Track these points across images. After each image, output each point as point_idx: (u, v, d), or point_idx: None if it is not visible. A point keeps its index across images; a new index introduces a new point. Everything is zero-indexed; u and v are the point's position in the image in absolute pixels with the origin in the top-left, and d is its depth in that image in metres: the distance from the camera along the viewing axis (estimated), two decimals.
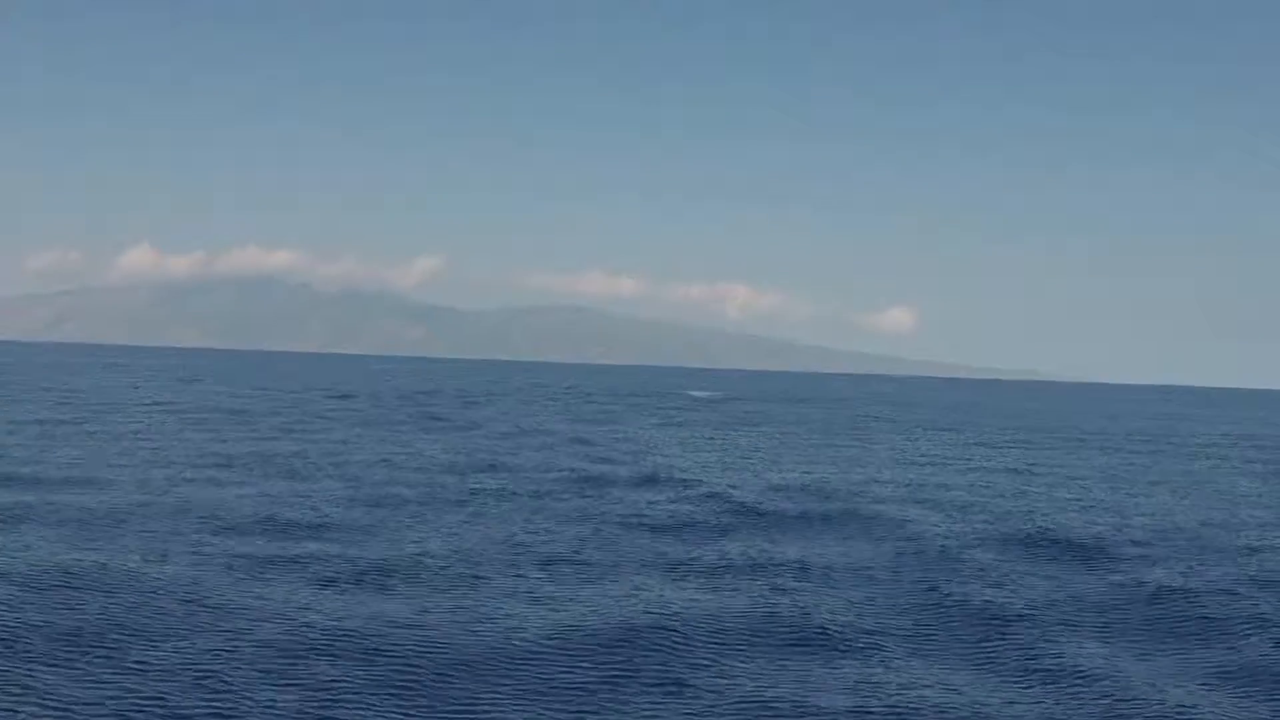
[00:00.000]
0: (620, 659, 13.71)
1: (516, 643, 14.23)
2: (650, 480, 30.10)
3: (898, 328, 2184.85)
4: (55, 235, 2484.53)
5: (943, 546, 21.65)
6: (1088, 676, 13.80)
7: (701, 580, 18.58)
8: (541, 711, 11.91)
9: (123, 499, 23.27)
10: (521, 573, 18.25)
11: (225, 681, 12.12)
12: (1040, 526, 24.90)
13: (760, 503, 27.07)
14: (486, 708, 11.95)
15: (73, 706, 11.23)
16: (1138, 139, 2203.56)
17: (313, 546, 19.12)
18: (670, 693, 12.67)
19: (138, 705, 11.34)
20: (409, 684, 12.54)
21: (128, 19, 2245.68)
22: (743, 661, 14.00)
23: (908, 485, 32.33)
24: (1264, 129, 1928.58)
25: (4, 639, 13.20)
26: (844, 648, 14.75)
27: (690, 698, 12.52)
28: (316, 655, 13.29)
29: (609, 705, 12.19)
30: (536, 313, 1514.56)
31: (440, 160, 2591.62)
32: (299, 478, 27.76)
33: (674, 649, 14.22)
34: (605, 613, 15.75)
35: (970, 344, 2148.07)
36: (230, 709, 11.39)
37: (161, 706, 11.31)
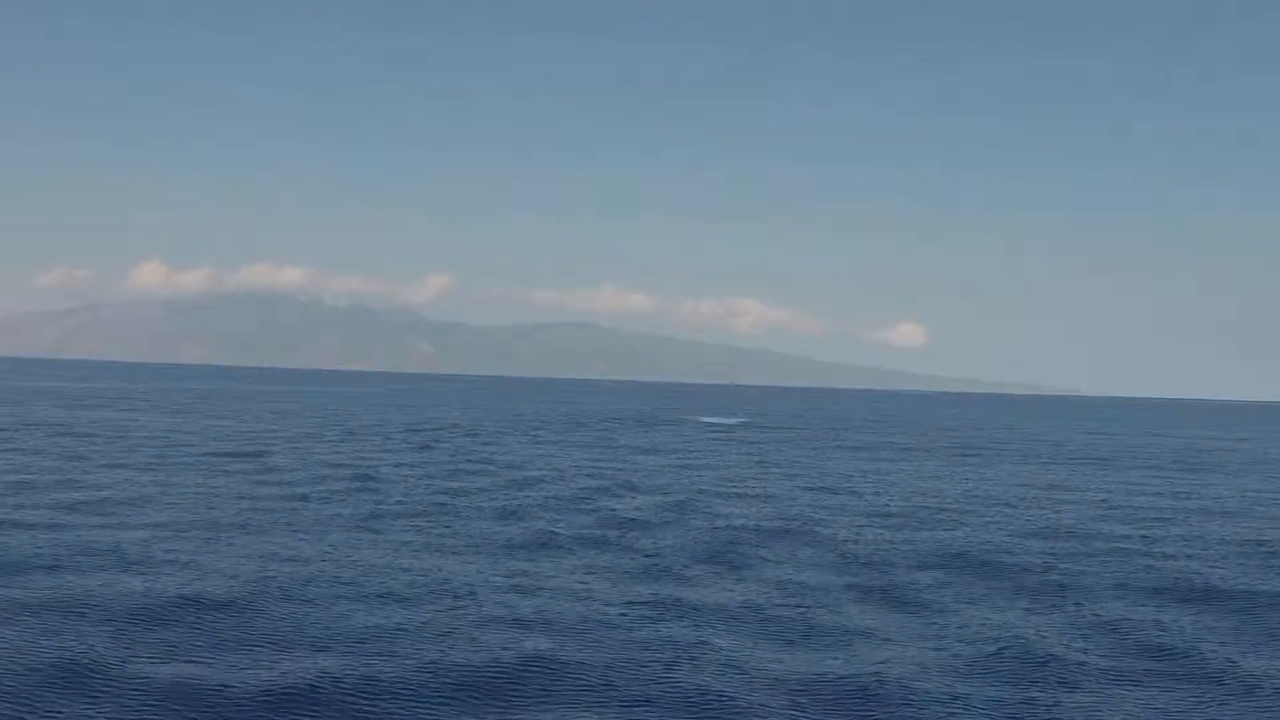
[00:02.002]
0: None
1: None
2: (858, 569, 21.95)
3: (907, 342, 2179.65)
4: (64, 252, 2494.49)
5: None
6: None
7: None
8: None
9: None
10: None
11: None
12: None
13: None
14: None
15: None
16: (1145, 147, 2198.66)
17: None
18: None
19: None
20: None
21: (137, 32, 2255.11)
22: None
23: None
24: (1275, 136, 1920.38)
25: None
26: None
27: None
28: None
29: None
30: (547, 329, 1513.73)
31: (450, 176, 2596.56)
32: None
33: None
34: None
35: (977, 359, 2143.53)
36: None
37: None
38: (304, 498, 30.52)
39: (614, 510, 30.20)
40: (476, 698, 13.18)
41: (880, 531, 27.64)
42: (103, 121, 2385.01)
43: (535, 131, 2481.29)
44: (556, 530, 26.12)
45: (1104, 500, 36.83)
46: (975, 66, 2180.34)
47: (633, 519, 28.63)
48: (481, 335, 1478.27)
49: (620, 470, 42.74)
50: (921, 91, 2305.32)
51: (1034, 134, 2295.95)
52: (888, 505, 33.50)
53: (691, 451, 55.79)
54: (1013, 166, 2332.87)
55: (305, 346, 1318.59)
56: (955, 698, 13.69)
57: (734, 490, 36.69)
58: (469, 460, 44.72)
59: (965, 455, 59.89)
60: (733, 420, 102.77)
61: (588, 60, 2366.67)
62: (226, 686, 13.11)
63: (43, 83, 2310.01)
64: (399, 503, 30.25)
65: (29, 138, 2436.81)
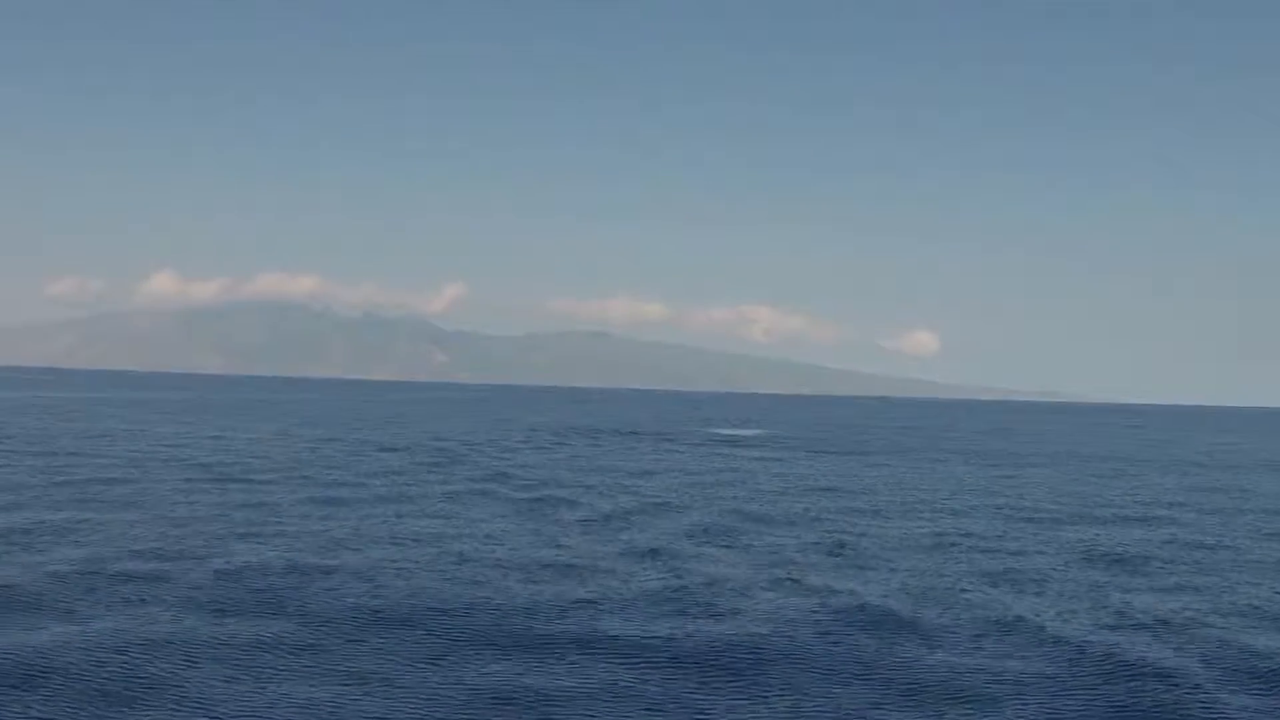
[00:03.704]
0: None
1: None
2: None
3: (921, 350, 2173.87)
4: (78, 261, 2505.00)
5: None
6: None
7: None
8: None
9: None
10: None
11: None
12: None
13: None
14: None
15: None
16: (1156, 151, 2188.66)
17: None
18: None
19: None
20: None
21: (147, 43, 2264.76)
22: None
23: None
24: None
25: None
26: None
27: None
28: None
29: None
30: (561, 338, 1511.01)
31: (463, 186, 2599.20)
32: None
33: None
34: None
35: (991, 365, 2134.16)
36: None
37: None
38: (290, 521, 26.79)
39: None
40: None
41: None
42: (114, 130, 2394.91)
43: (547, 138, 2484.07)
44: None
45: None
46: (986, 70, 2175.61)
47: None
48: (495, 344, 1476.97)
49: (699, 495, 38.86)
50: (934, 97, 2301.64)
51: (1048, 139, 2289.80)
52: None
53: (736, 471, 51.89)
54: (1023, 170, 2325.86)
55: (318, 355, 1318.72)
56: None
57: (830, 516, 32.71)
58: (496, 477, 41.04)
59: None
60: (754, 432, 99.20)
61: (599, 65, 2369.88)
62: None
63: (52, 89, 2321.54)
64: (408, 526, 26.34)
65: (39, 145, 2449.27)
